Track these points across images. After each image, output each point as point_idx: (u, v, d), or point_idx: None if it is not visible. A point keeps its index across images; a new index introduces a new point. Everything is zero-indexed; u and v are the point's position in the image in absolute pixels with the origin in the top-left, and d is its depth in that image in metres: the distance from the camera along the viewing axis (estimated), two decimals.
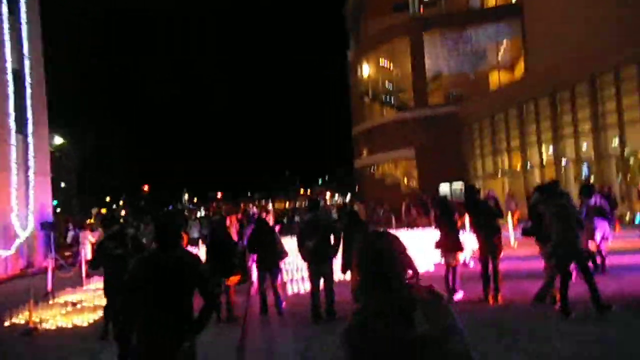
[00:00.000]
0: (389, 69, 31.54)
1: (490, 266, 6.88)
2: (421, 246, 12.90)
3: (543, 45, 21.82)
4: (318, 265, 6.69)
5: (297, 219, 27.58)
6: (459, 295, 7.32)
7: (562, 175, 18.84)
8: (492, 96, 25.56)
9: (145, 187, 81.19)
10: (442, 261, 7.65)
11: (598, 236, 7.70)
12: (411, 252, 1.91)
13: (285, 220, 28.48)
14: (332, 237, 6.75)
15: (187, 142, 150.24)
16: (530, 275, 7.92)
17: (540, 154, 20.25)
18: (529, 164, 21.12)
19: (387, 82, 31.87)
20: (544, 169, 20.29)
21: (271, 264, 7.38)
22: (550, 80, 18.93)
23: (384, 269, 1.78)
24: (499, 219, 7.16)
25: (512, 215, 13.81)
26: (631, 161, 16.17)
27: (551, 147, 19.39)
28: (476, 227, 7.17)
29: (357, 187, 37.31)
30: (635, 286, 7.05)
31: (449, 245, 7.38)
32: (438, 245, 7.56)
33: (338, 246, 6.79)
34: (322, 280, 6.68)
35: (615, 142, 16.38)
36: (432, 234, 16.59)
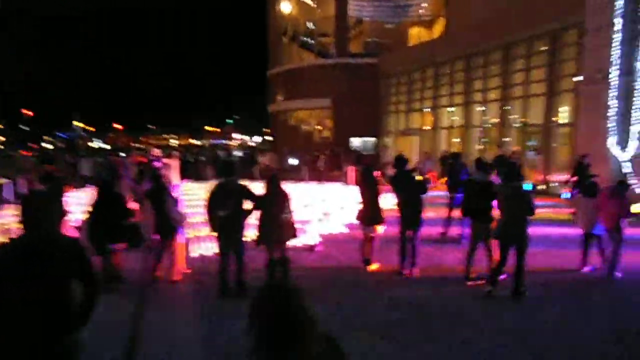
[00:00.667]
0: (312, 8, 29.95)
1: (410, 240, 6.81)
2: (335, 205, 12.85)
3: (463, 6, 21.98)
4: (228, 237, 6.01)
5: (202, 158, 26.32)
6: (374, 267, 7.20)
7: (468, 140, 19.77)
8: (410, 52, 25.59)
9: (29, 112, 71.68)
10: (361, 229, 7.38)
11: None
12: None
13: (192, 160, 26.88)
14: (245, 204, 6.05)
15: (83, 64, 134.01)
16: (438, 242, 8.72)
17: (451, 116, 20.94)
18: (439, 125, 21.80)
19: (308, 22, 30.35)
20: (452, 130, 21.11)
21: (166, 232, 6.50)
22: (465, 44, 19.23)
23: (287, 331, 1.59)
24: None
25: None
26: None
27: (462, 111, 20.06)
28: (400, 202, 6.94)
29: (270, 131, 36.19)
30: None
31: (370, 216, 7.14)
32: (359, 216, 7.27)
33: (250, 213, 6.11)
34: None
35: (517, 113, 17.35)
36: (343, 191, 16.97)
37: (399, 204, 6.97)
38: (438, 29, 28.50)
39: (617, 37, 12.00)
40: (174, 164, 15.35)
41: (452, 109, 20.87)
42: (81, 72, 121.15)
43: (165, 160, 14.78)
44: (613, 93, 12.13)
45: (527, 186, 7.29)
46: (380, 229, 7.20)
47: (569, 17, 14.20)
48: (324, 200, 14.62)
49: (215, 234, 6.14)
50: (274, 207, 6.10)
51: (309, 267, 7.39)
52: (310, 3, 29.96)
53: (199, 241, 8.69)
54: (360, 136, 26.70)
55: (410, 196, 6.83)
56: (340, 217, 11.60)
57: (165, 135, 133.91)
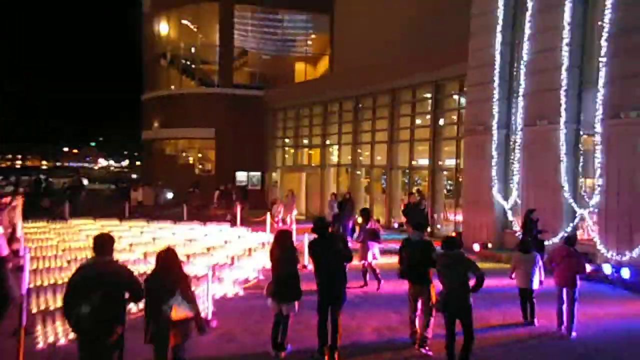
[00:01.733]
0: (193, 32, 28.19)
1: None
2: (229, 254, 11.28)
3: (349, 45, 22.55)
4: (93, 346, 4.16)
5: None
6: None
7: (356, 180, 19.83)
8: (297, 88, 25.42)
9: None
10: (272, 306, 6.11)
11: (370, 256, 9.11)
12: None
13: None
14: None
15: None
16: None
17: (339, 154, 20.90)
18: (327, 163, 21.61)
19: (189, 47, 28.46)
20: (339, 168, 21.05)
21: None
22: (354, 84, 19.52)
23: None
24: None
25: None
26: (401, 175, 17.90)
27: (350, 150, 20.11)
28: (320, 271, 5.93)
29: (144, 161, 32.73)
30: None
31: (286, 292, 5.94)
32: (271, 291, 5.97)
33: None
34: None
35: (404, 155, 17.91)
36: (233, 234, 15.41)
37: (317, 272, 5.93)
38: (323, 66, 29.04)
39: (496, 93, 12.91)
40: (17, 203, 12.38)
41: (337, 147, 20.88)
42: None
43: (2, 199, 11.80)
44: (494, 145, 12.93)
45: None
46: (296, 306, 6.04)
47: (450, 68, 15.07)
48: (213, 247, 12.97)
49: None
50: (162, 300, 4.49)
51: (204, 358, 5.87)
52: (192, 27, 28.22)
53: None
54: (245, 170, 25.39)
55: (332, 264, 5.85)
56: (236, 271, 10.16)
57: (10, 155, 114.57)
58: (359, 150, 19.77)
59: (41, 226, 16.60)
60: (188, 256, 11.75)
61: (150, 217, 19.04)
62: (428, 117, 16.66)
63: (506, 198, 12.70)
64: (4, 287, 4.89)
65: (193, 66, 28.10)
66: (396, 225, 17.10)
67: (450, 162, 16.00)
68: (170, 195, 24.10)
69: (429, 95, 16.79)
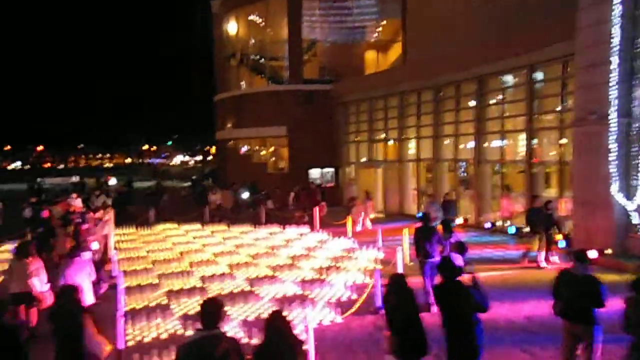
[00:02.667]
0: (262, 28, 27.95)
1: None
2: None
3: (424, 29, 21.00)
4: None
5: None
6: None
7: (438, 174, 18.49)
8: (369, 79, 24.28)
9: None
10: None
11: None
12: None
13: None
14: None
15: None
16: None
17: (418, 148, 19.63)
18: (404, 157, 20.42)
19: (258, 44, 28.28)
20: (418, 163, 19.79)
21: None
22: (432, 72, 18.09)
23: None
24: None
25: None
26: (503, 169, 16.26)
27: (430, 143, 18.79)
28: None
29: (217, 160, 33.39)
30: None
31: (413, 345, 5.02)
32: (394, 347, 5.08)
33: None
34: None
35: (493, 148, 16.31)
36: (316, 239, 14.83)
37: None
38: (394, 53, 27.59)
39: (614, 76, 11.06)
40: (109, 216, 12.61)
41: (415, 141, 19.55)
42: None
43: (95, 214, 12.07)
44: (612, 136, 11.13)
45: None
46: None
47: (549, 49, 13.29)
48: (296, 257, 12.41)
49: None
50: None
51: None
52: (260, 23, 27.97)
53: None
54: (319, 167, 24.85)
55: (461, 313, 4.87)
56: (326, 289, 9.53)
57: (98, 155, 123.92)
58: (445, 142, 18.30)
59: (129, 233, 17.15)
60: (273, 269, 11.35)
61: (230, 220, 19.08)
62: (522, 104, 14.92)
63: (629, 197, 10.91)
64: (81, 346, 4.47)
65: (262, 61, 27.90)
66: (488, 225, 15.66)
67: (551, 156, 14.24)
68: (246, 195, 24.17)
69: (522, 80, 15.04)
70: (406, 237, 11.81)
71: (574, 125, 12.23)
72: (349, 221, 15.64)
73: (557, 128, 13.86)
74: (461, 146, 17.58)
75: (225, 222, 18.77)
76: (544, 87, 14.58)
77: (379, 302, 7.81)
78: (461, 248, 6.87)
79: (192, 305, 8.75)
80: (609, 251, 11.03)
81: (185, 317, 8.11)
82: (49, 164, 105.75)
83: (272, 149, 26.90)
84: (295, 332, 4.25)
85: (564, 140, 13.57)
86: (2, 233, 15.53)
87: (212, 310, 3.61)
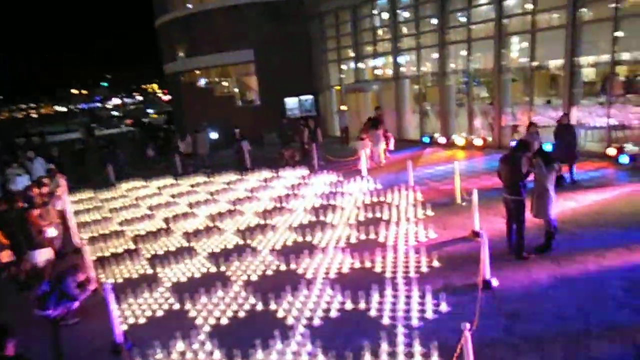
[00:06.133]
0: None
1: None
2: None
3: None
4: None
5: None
6: None
7: (446, 90, 15.94)
8: None
9: None
10: None
11: None
12: None
13: None
14: None
15: None
16: None
17: (418, 61, 16.79)
18: (402, 74, 17.59)
19: None
20: (421, 79, 17.07)
21: None
22: None
23: None
24: None
25: None
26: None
27: (435, 54, 15.98)
28: None
29: (170, 98, 29.00)
30: None
31: None
32: None
33: None
34: None
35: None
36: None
37: None
38: None
39: None
40: (61, 187, 9.38)
41: (415, 53, 16.65)
42: None
43: (42, 189, 8.66)
44: None
45: None
46: None
47: None
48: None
49: None
50: None
51: None
52: None
53: None
54: (295, 94, 21.60)
55: None
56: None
57: (20, 106, 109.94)
58: (453, 52, 15.55)
59: (87, 199, 13.75)
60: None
61: (208, 169, 15.96)
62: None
63: None
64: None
65: None
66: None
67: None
68: (215, 135, 20.77)
69: None
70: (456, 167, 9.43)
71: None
72: (363, 156, 13.00)
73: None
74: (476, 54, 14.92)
75: (202, 172, 15.64)
76: None
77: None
78: None
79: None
80: None
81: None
82: None
83: (235, 78, 23.14)
84: None
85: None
86: None
87: None
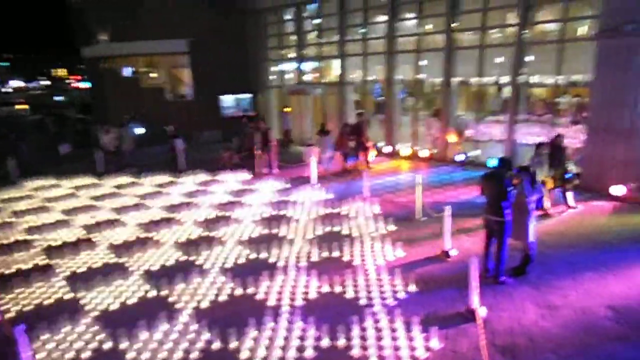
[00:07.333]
0: None
1: None
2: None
3: None
4: None
5: None
6: None
7: (391, 99, 15.74)
8: None
9: None
10: None
11: None
12: None
13: None
14: None
15: None
16: None
17: (365, 67, 16.42)
18: (348, 79, 17.12)
19: None
20: (365, 85, 16.71)
21: None
22: None
23: None
24: None
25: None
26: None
27: (382, 60, 15.71)
28: None
29: (92, 85, 26.06)
30: None
31: None
32: None
33: None
34: None
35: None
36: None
37: None
38: None
39: None
40: None
41: (361, 58, 16.28)
42: None
43: None
44: None
45: None
46: None
47: None
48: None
49: None
50: None
51: None
52: None
53: None
54: (232, 92, 20.32)
55: None
56: None
57: None
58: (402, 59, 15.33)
59: None
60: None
61: (133, 167, 14.25)
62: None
63: None
64: None
65: None
66: (460, 158, 13.62)
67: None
68: (140, 130, 18.86)
69: None
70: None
71: (598, 37, 10.16)
72: (313, 163, 12.23)
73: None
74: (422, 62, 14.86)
75: (127, 172, 13.92)
76: None
77: None
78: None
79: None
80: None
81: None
82: None
83: (166, 70, 21.25)
84: None
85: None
86: None
87: None
